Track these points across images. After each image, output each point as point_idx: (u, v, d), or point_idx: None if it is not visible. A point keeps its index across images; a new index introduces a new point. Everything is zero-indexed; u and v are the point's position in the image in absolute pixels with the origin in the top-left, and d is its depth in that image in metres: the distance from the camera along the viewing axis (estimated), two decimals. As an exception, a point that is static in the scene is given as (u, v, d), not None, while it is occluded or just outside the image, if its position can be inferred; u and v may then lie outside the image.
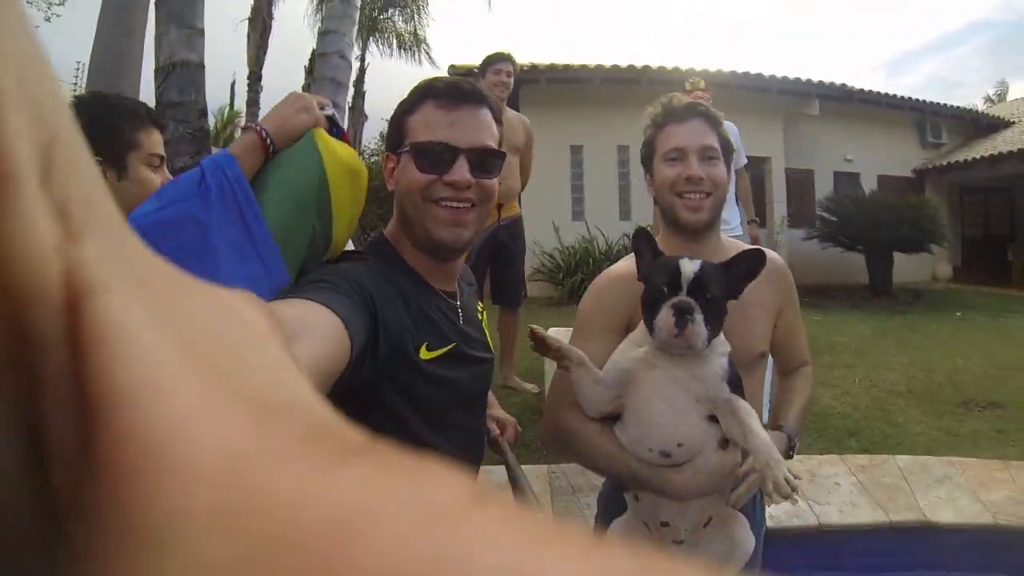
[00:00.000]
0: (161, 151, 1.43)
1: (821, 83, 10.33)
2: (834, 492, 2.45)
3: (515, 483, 0.84)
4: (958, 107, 12.76)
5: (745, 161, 3.78)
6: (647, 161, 1.31)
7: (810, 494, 2.38)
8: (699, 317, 1.00)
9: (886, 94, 11.43)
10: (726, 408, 1.04)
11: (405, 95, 1.07)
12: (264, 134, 0.95)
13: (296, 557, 0.10)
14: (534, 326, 1.10)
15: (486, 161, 1.01)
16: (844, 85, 10.68)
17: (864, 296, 8.74)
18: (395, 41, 13.97)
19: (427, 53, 14.04)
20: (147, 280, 0.15)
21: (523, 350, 4.07)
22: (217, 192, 0.88)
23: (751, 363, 1.23)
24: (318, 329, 0.71)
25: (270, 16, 12.23)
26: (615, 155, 9.41)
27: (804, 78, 10.19)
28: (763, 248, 1.17)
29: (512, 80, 3.38)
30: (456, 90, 1.02)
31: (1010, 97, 19.60)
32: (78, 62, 16.68)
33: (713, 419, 1.07)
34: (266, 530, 0.10)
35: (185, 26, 4.16)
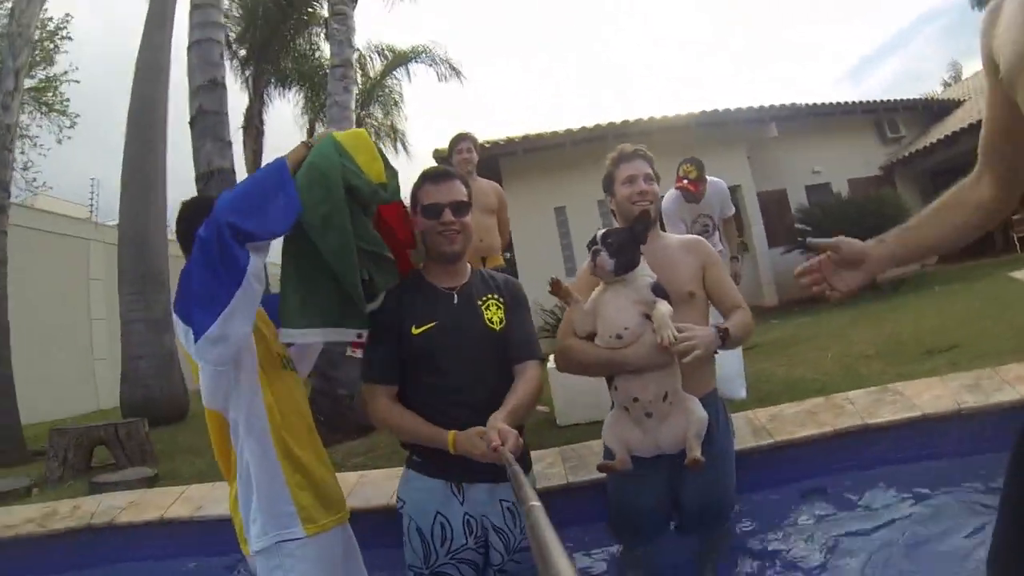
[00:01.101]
0: None
1: (773, 106, 11.11)
2: (791, 421, 2.95)
3: (514, 479, 1.07)
4: (910, 99, 13.38)
5: (732, 211, 4.45)
6: (609, 187, 2.08)
7: (771, 427, 2.92)
8: (604, 253, 1.79)
9: (838, 103, 12.13)
10: (652, 305, 1.76)
11: (415, 180, 1.88)
12: (305, 143, 1.71)
13: None
14: (555, 277, 1.83)
15: (461, 207, 1.82)
16: (794, 104, 11.42)
17: (850, 292, 9.12)
18: (375, 134, 15.22)
19: (403, 143, 15.50)
20: None
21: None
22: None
23: (683, 299, 1.90)
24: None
25: (261, 122, 13.83)
26: (596, 209, 10.10)
27: (756, 105, 10.99)
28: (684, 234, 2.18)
29: (474, 154, 4.01)
30: (440, 173, 1.86)
31: (964, 77, 20.17)
32: (92, 179, 18.52)
33: (648, 318, 1.76)
34: None
35: (218, 139, 5.18)
